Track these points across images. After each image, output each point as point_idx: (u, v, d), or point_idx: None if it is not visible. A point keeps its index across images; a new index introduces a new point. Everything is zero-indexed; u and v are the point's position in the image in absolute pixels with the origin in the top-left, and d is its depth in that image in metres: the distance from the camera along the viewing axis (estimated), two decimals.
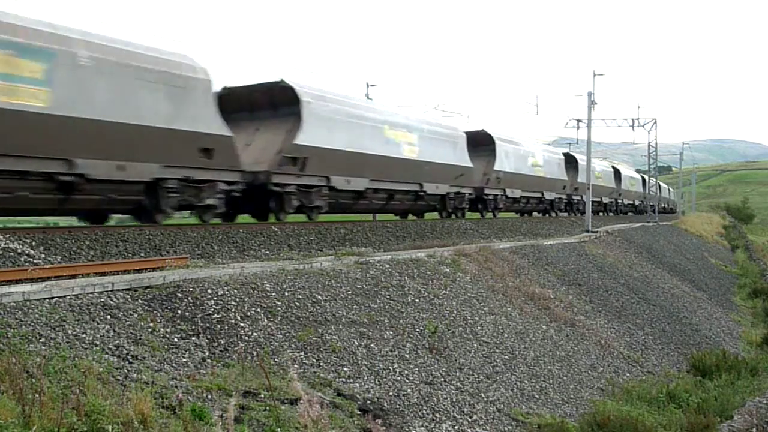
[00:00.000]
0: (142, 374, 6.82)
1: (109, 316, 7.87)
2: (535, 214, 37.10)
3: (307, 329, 9.47)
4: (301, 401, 6.63)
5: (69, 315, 7.54)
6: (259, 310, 9.40)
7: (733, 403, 13.03)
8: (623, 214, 52.72)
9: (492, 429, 9.55)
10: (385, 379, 9.18)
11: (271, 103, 19.11)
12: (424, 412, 8.93)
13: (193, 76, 15.25)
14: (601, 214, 46.22)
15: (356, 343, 9.76)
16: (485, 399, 10.27)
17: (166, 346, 7.79)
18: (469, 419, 9.42)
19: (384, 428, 7.64)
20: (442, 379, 10.06)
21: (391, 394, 8.88)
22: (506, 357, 12.16)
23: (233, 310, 9.08)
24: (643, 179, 61.33)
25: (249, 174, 16.88)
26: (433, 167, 24.69)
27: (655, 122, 48.82)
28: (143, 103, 14.04)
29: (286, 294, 10.21)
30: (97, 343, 7.20)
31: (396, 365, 9.71)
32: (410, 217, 26.28)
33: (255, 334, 8.81)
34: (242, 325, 8.87)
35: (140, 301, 8.61)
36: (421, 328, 11.29)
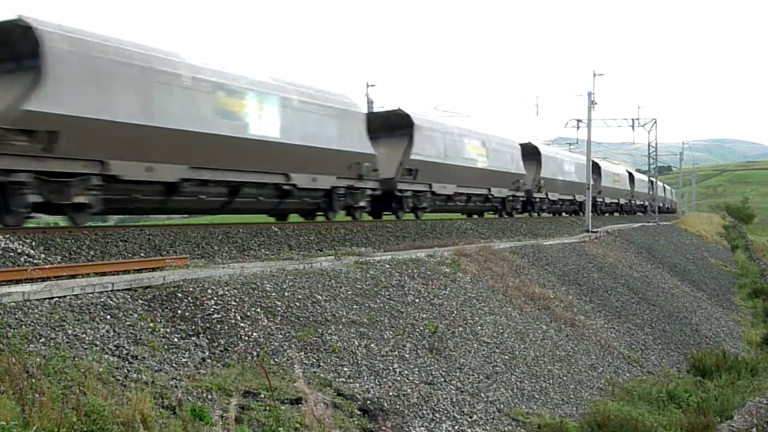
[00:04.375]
0: (142, 374, 6.83)
1: (109, 316, 7.87)
2: (487, 215, 31.35)
3: (307, 329, 9.47)
4: (306, 401, 6.63)
5: (69, 315, 7.54)
6: (259, 310, 9.40)
7: (733, 403, 13.02)
8: (608, 214, 47.75)
9: (492, 429, 9.55)
10: (385, 379, 9.18)
11: (12, 56, 12.83)
12: (424, 412, 8.93)
13: None
14: (581, 214, 38.26)
15: (356, 343, 9.76)
16: (485, 399, 10.27)
17: (166, 346, 7.79)
18: (469, 419, 9.42)
19: (384, 428, 7.64)
20: (442, 379, 10.06)
21: (391, 394, 8.88)
22: (506, 357, 12.16)
23: (233, 310, 9.08)
24: (631, 175, 56.38)
25: None
26: (307, 152, 18.32)
27: (655, 122, 48.87)
28: None
29: (286, 294, 10.21)
30: (97, 343, 7.20)
31: (396, 365, 9.71)
32: (320, 218, 20.27)
33: (255, 334, 8.81)
34: (242, 325, 8.87)
35: (140, 301, 8.61)
36: (421, 328, 11.28)
